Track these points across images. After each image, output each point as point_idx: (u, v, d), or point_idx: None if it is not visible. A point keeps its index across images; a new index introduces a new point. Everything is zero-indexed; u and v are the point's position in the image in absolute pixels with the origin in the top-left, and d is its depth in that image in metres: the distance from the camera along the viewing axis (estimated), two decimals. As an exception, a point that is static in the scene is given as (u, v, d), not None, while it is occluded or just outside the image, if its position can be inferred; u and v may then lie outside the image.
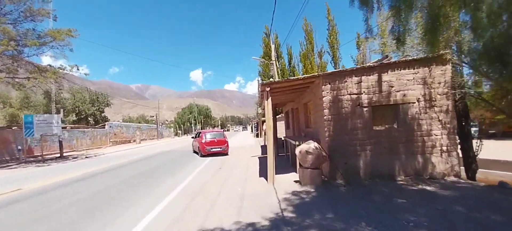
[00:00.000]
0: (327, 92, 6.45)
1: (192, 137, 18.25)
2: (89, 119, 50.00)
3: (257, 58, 17.27)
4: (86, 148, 24.51)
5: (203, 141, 14.32)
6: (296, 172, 7.13)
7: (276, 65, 14.80)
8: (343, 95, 6.45)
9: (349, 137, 6.37)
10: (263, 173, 7.77)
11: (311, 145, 5.81)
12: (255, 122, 33.97)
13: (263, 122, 28.33)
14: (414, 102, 6.38)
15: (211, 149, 14.07)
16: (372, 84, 6.45)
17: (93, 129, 27.53)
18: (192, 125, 64.18)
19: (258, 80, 30.74)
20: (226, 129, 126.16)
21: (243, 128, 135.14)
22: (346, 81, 6.46)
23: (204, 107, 78.13)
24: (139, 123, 49.87)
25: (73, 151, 22.85)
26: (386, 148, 6.33)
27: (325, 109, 6.40)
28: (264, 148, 15.74)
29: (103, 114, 57.33)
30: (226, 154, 14.34)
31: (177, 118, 71.12)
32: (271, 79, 19.70)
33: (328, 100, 6.43)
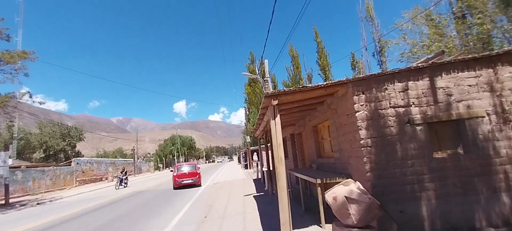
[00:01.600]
0: (362, 105, 4.40)
1: (171, 170, 16.37)
2: (60, 155, 45.31)
3: (247, 73, 15.26)
4: (44, 190, 20.71)
5: (175, 174, 15.00)
6: (319, 225, 4.81)
7: (269, 83, 12.80)
8: (385, 108, 4.43)
9: (400, 170, 4.24)
10: (267, 225, 5.37)
11: (352, 187, 3.61)
12: (243, 152, 31.41)
13: (253, 151, 25.89)
14: (484, 117, 4.46)
15: (182, 181, 14.54)
16: (423, 93, 4.51)
17: (55, 168, 23.76)
18: (175, 158, 60.05)
19: (245, 108, 28.81)
20: (211, 160, 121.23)
21: (228, 158, 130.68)
22: (386, 88, 4.48)
23: (188, 138, 74.42)
24: (115, 157, 45.56)
25: (27, 195, 19.04)
26: (455, 184, 4.24)
27: (360, 129, 4.31)
28: (258, 183, 13.26)
29: (75, 149, 52.78)
30: (199, 185, 14.84)
31: (158, 151, 66.74)
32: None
33: (364, 117, 4.36)
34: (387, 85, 4.49)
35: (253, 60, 32.57)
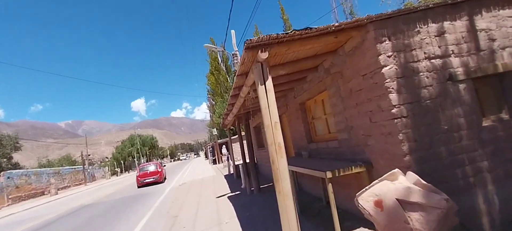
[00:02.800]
0: (389, 57, 2.98)
1: (133, 174, 18.20)
2: (-9, 169, 38.13)
3: (210, 45, 13.21)
4: (-40, 216, 16.43)
5: (137, 174, 16.29)
6: (332, 237, 3.36)
7: (239, 56, 11.01)
8: (418, 60, 3.07)
9: (446, 147, 2.93)
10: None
11: (405, 182, 2.16)
12: (210, 146, 29.31)
13: (221, 144, 24.03)
14: (533, 68, 3.37)
15: (145, 180, 15.69)
16: (462, 37, 3.25)
17: (-24, 186, 19.19)
18: (136, 159, 55.06)
19: (209, 98, 26.65)
20: (176, 158, 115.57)
21: (195, 154, 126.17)
22: (418, 32, 3.12)
23: (149, 137, 68.92)
24: (61, 166, 39.81)
25: None
26: (510, 160, 3.09)
27: (391, 93, 2.89)
28: (230, 179, 11.60)
29: (12, 161, 45.23)
30: (161, 182, 15.98)
31: (115, 153, 60.66)
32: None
33: (393, 74, 2.94)
34: (420, 27, 3.13)
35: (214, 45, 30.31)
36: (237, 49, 11.00)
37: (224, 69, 29.13)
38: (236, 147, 23.30)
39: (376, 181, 2.30)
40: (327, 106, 4.73)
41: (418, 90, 2.99)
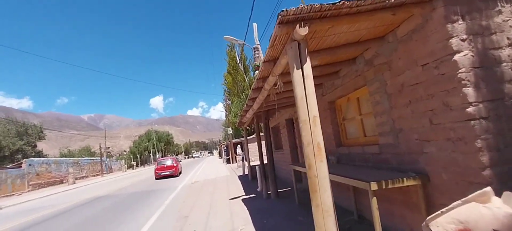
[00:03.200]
0: (463, 41, 2.31)
1: (152, 167, 20.42)
2: (17, 155, 40.07)
3: (230, 37, 12.73)
4: (-17, 199, 17.08)
5: (155, 168, 18.39)
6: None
7: (260, 51, 10.45)
8: (500, 48, 2.38)
9: (540, 161, 2.22)
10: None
11: (504, 207, 1.51)
12: (225, 146, 29.02)
13: (236, 144, 23.62)
14: None
15: (161, 173, 17.52)
16: (555, 20, 2.52)
17: None
18: (151, 154, 56.08)
19: (225, 97, 26.35)
20: (190, 156, 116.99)
21: (208, 152, 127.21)
22: (499, 11, 2.43)
23: (165, 134, 70.11)
24: (81, 156, 41.14)
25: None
26: None
27: (465, 86, 2.22)
28: (245, 181, 11.08)
29: (36, 149, 47.40)
30: (176, 176, 17.70)
31: (132, 147, 62.15)
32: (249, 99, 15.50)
33: (468, 63, 2.27)
34: (501, 6, 2.44)
35: (233, 46, 30.02)
36: (258, 43, 10.47)
37: (242, 69, 28.81)
38: (251, 147, 22.81)
39: (458, 202, 1.66)
40: (364, 106, 4.08)
41: (501, 85, 2.30)
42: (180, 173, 19.48)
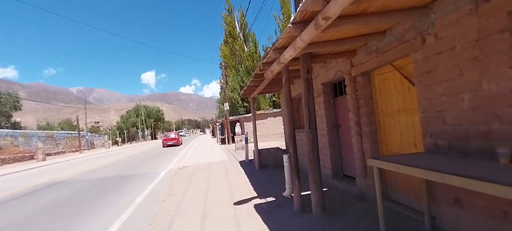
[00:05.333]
0: None
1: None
2: (-12, 127, 36.26)
3: None
4: None
5: (163, 139, 27.35)
6: None
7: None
8: None
9: None
10: None
11: None
12: (219, 123, 26.07)
13: (234, 122, 20.73)
14: None
15: (167, 143, 25.63)
16: None
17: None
18: (139, 130, 52.71)
19: (222, 67, 23.06)
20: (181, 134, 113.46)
21: (201, 131, 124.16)
22: None
23: (155, 109, 66.32)
24: (61, 129, 37.57)
25: None
26: None
27: None
28: (250, 170, 8.23)
29: (11, 120, 43.45)
30: (178, 145, 25.85)
31: (120, 122, 58.51)
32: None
33: None
34: None
35: (231, 10, 26.28)
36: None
37: (241, 38, 25.36)
38: (249, 126, 20.01)
39: None
40: None
41: None
42: (181, 143, 28.07)
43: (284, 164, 4.43)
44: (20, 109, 42.74)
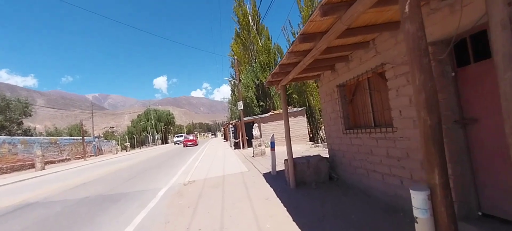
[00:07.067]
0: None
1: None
2: (1, 133, 35.49)
3: None
4: None
5: (183, 140, 36.68)
6: None
7: None
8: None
9: None
10: None
11: None
12: (232, 126, 23.67)
13: (252, 124, 18.25)
14: None
15: (187, 143, 33.06)
16: None
17: None
18: (149, 135, 51.19)
19: (235, 63, 20.66)
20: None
21: (212, 134, 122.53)
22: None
23: (165, 113, 64.78)
24: (70, 134, 36.33)
25: None
26: None
27: None
28: (279, 186, 5.62)
29: (22, 126, 42.85)
30: (196, 145, 33.38)
31: (130, 127, 57.32)
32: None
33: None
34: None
35: (242, 1, 23.88)
36: None
37: (255, 30, 22.93)
38: (268, 127, 17.44)
39: None
40: None
41: None
42: (197, 144, 34.69)
43: (418, 216, 1.82)
44: (30, 115, 42.04)
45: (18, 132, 39.67)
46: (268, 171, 8.00)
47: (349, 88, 5.38)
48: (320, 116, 17.40)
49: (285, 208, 4.51)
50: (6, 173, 18.83)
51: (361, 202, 4.33)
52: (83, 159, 26.52)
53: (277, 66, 4.85)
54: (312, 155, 6.83)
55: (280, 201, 4.94)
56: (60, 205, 6.65)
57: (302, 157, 6.37)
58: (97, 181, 10.56)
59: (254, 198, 5.34)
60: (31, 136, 36.56)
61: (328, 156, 6.39)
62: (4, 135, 32.92)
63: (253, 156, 12.57)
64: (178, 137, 48.75)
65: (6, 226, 5.32)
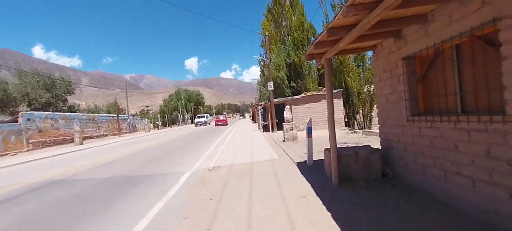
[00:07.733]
0: None
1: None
2: (48, 109, 38.71)
3: None
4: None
5: (215, 120, 42.85)
6: None
7: None
8: None
9: None
10: None
11: None
12: (261, 107, 22.79)
13: (278, 105, 17.14)
14: None
15: (218, 123, 36.86)
16: None
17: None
18: (180, 114, 52.57)
19: (266, 41, 19.36)
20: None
21: (240, 115, 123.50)
22: None
23: (195, 93, 65.90)
24: (108, 112, 38.41)
25: None
26: None
27: None
28: (318, 181, 4.57)
29: (67, 103, 46.29)
30: (226, 125, 36.82)
31: (162, 106, 59.42)
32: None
33: None
34: None
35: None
36: None
37: (288, 3, 21.20)
38: (301, 110, 16.21)
39: None
40: None
41: None
42: (227, 124, 37.71)
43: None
44: (73, 93, 45.17)
45: (64, 108, 42.93)
46: (302, 160, 6.98)
47: (421, 62, 4.04)
48: (359, 98, 15.70)
49: (330, 213, 3.51)
50: (49, 146, 20.17)
51: (438, 214, 3.17)
52: (118, 135, 27.77)
53: (325, 31, 3.68)
54: (356, 144, 5.66)
55: (321, 202, 3.94)
56: (82, 185, 6.36)
57: (348, 148, 5.23)
58: (124, 158, 10.44)
59: (288, 195, 4.40)
60: (74, 112, 39.33)
61: (379, 147, 5.17)
62: (51, 111, 35.79)
63: (284, 141, 11.60)
64: (199, 117, 42.65)
65: (24, 206, 5.05)
